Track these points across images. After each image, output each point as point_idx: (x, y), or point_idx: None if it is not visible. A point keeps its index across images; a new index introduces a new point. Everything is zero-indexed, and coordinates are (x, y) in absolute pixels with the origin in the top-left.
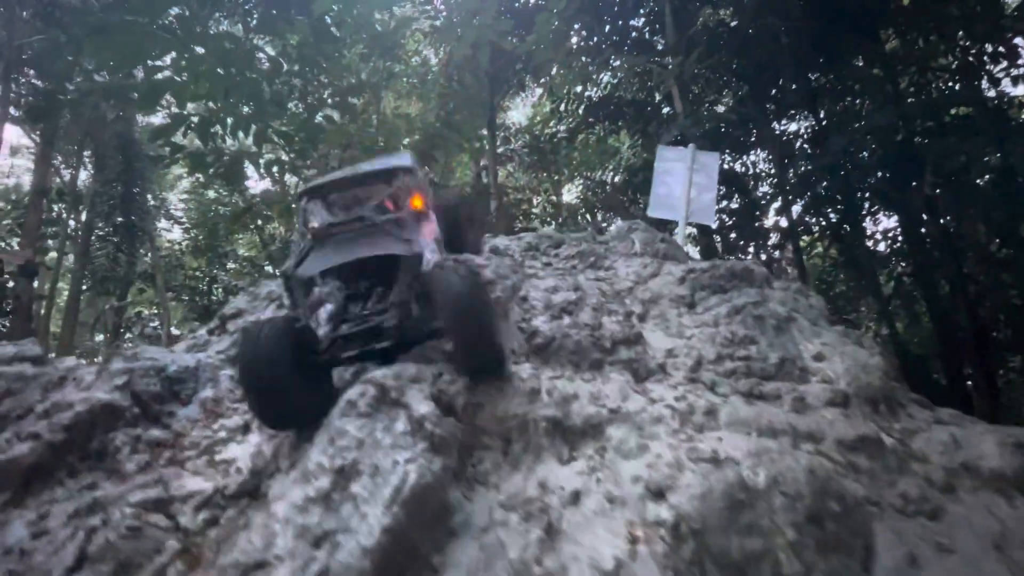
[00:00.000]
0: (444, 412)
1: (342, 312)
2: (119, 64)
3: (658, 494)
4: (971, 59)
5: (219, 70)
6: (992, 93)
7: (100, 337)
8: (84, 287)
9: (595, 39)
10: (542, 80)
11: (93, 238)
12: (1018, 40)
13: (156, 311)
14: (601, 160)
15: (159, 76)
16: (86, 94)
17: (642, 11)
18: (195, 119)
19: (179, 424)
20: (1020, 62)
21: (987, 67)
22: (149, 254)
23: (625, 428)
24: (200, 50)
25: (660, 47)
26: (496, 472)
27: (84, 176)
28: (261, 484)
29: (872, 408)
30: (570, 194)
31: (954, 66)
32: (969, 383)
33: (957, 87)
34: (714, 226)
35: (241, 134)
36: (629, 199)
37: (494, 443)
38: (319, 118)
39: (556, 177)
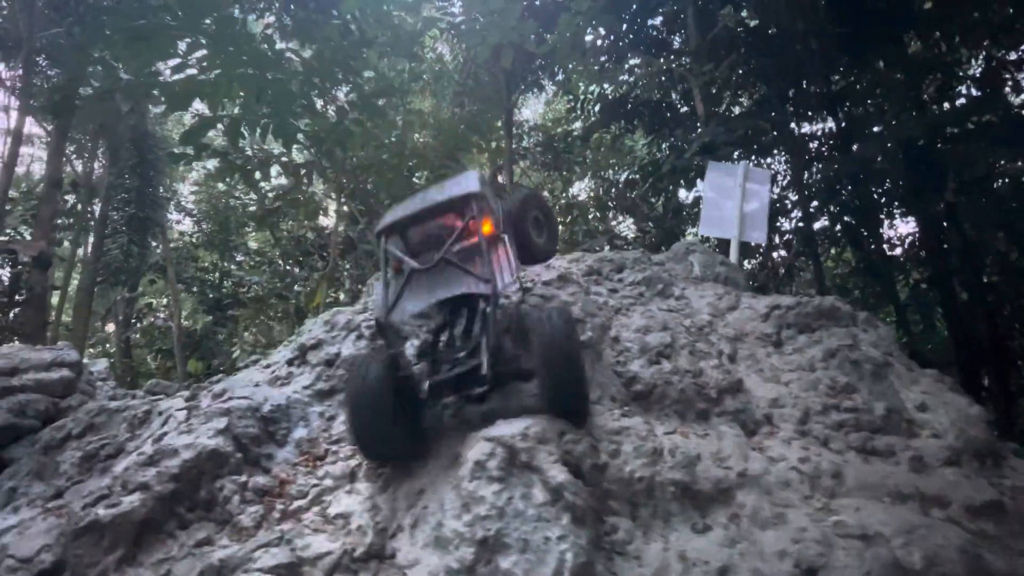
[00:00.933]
0: (574, 475)
1: (431, 347)
2: (148, 63)
3: (810, 572)
4: (995, 65)
5: (251, 71)
6: (1016, 100)
7: (112, 327)
8: (97, 279)
9: (612, 38)
10: (559, 78)
11: (107, 229)
12: None
13: (166, 303)
14: (616, 160)
15: (186, 74)
16: (108, 92)
17: (661, 10)
18: (225, 120)
19: (280, 469)
20: None
21: (1011, 74)
22: (160, 246)
23: (756, 493)
24: (231, 49)
25: (677, 46)
26: (631, 541)
27: (97, 167)
28: (386, 544)
29: (980, 463)
30: (580, 193)
31: (978, 72)
32: (984, 393)
33: (980, 93)
34: (764, 243)
35: (272, 136)
36: (640, 198)
37: (622, 508)
38: (346, 121)
39: (567, 174)
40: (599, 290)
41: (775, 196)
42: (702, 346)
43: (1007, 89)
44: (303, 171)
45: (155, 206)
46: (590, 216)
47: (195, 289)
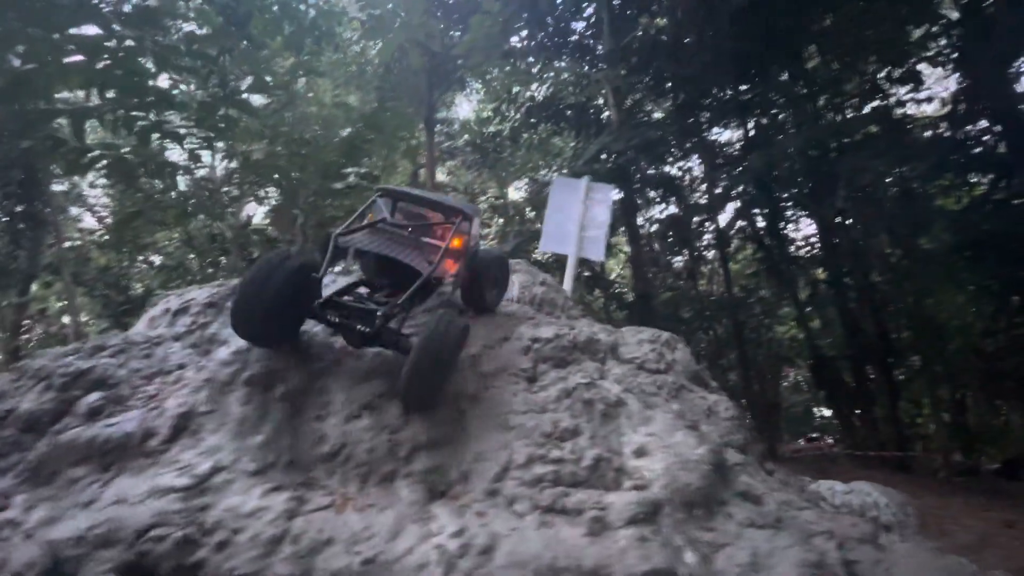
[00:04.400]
0: None
1: (349, 288)
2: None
3: None
4: (879, 82)
5: (86, 60)
6: (897, 113)
7: None
8: None
9: (535, 41)
10: (486, 79)
11: None
12: (921, 66)
13: (64, 307)
14: (545, 160)
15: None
16: None
17: (583, 16)
18: (67, 111)
19: None
20: (922, 86)
21: (893, 90)
22: (55, 245)
23: None
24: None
25: (600, 52)
26: None
27: None
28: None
29: (687, 514)
30: (518, 192)
31: (866, 88)
32: (871, 383)
33: (867, 107)
34: (603, 260)
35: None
36: None
37: None
38: (218, 115)
39: (503, 175)
40: None
41: (694, 200)
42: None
43: (890, 102)
44: (168, 170)
45: (44, 201)
46: (527, 216)
47: (97, 292)
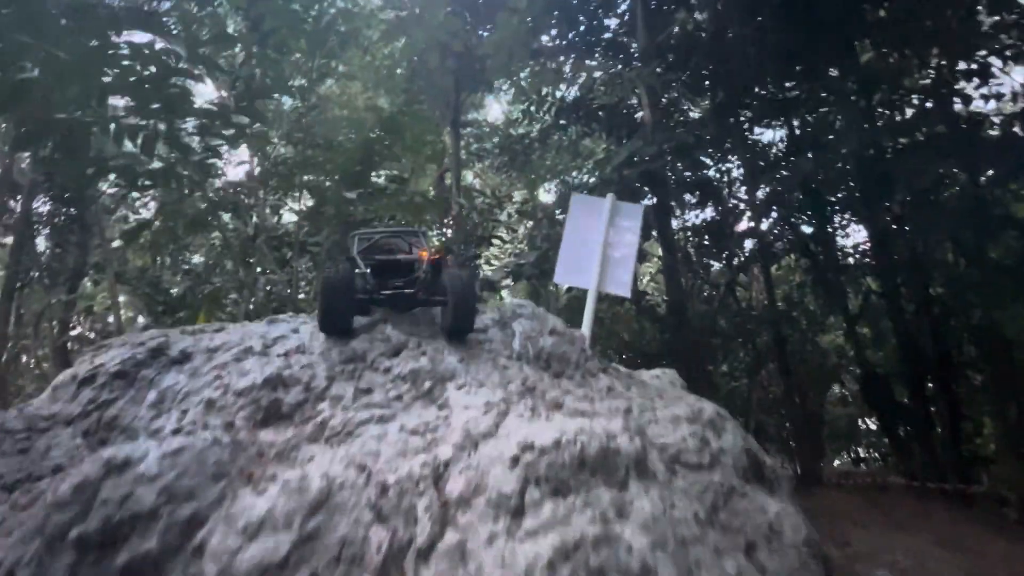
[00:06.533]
0: None
1: (372, 284)
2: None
3: None
4: (944, 76)
5: (87, 69)
6: (964, 111)
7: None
8: (18, 283)
9: (566, 40)
10: (514, 79)
11: (34, 227)
12: (991, 59)
13: (109, 306)
14: (576, 163)
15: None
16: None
17: (616, 12)
18: (65, 123)
19: None
20: (991, 81)
21: (960, 85)
22: (100, 244)
23: None
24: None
25: (634, 50)
26: None
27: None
28: None
29: None
30: (547, 195)
31: (927, 83)
32: (931, 405)
33: (929, 104)
34: (628, 296)
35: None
36: None
37: None
38: (217, 122)
39: (532, 177)
40: (341, 393)
41: (732, 203)
42: (373, 540)
43: (955, 100)
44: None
45: (89, 203)
46: (556, 218)
47: (147, 290)
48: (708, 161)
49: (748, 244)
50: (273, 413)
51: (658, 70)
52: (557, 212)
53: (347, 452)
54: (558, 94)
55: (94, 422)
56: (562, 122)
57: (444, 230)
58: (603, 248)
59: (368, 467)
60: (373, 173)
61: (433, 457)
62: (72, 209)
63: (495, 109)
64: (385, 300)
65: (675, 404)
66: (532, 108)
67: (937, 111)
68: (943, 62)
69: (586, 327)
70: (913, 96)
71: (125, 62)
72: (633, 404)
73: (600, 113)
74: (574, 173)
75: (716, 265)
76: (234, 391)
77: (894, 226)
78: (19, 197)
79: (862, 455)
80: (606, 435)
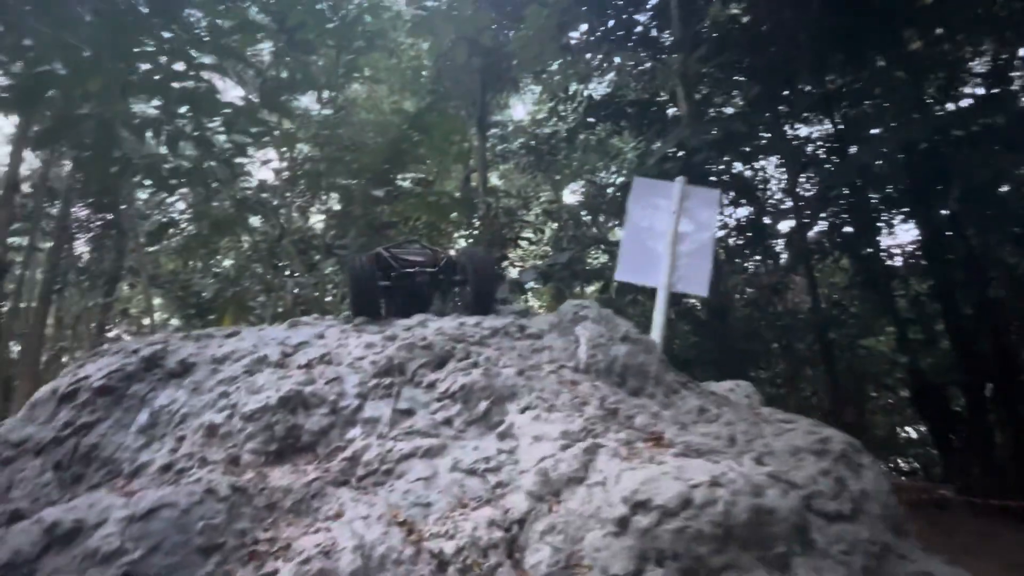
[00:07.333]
0: None
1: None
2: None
3: None
4: (1002, 63)
5: (110, 63)
6: None
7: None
8: (56, 286)
9: (597, 34)
10: (542, 76)
11: (71, 232)
12: None
13: (144, 308)
14: (603, 162)
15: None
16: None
17: (648, 4)
18: (90, 118)
19: None
20: None
21: (1018, 73)
22: (135, 249)
23: None
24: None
25: (667, 43)
26: None
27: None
28: None
29: None
30: (573, 196)
31: (984, 71)
32: (992, 414)
33: (986, 93)
34: (706, 295)
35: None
36: None
37: None
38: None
39: (557, 177)
40: (375, 414)
41: (770, 201)
42: None
43: (1015, 88)
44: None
45: (125, 208)
46: (583, 219)
47: (179, 294)
48: (749, 157)
49: (783, 243)
50: (290, 444)
51: (692, 60)
52: (583, 213)
53: (386, 502)
54: (586, 92)
55: (69, 451)
56: (591, 120)
57: (471, 231)
58: (673, 240)
59: (416, 527)
60: (399, 175)
61: (503, 512)
62: (108, 214)
63: (519, 110)
64: (407, 279)
65: (787, 430)
66: (560, 106)
67: (995, 101)
68: (1000, 49)
69: (656, 333)
70: (967, 86)
71: (148, 62)
72: (736, 431)
73: (629, 110)
74: (602, 173)
75: (751, 267)
76: (242, 414)
77: (949, 224)
78: (57, 202)
79: (902, 466)
80: (750, 488)
